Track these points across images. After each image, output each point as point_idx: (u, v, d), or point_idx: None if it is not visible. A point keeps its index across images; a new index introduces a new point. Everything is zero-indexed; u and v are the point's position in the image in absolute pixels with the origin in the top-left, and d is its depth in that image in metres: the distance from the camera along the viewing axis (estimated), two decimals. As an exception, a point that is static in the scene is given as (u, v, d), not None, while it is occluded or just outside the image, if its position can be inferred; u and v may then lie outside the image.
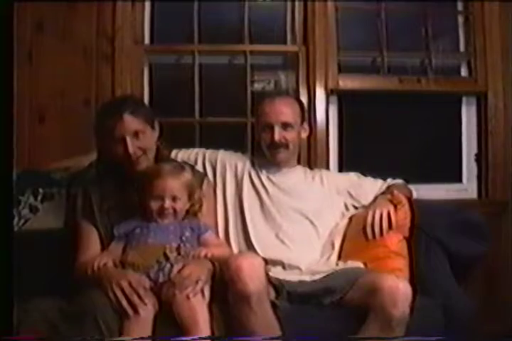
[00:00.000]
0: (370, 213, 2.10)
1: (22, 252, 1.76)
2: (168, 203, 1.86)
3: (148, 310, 1.69)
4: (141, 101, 2.00)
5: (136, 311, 1.67)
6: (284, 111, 2.18)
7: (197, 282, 1.73)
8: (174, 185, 1.87)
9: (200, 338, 1.63)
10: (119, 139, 1.91)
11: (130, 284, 1.71)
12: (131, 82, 2.73)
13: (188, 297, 1.70)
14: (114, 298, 1.69)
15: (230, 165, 2.24)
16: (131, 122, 1.91)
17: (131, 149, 1.91)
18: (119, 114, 1.90)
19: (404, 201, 2.13)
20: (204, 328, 1.67)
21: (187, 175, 1.92)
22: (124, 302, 1.68)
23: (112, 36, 2.71)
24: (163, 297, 1.73)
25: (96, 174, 2.05)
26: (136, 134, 1.92)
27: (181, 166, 1.97)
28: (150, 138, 1.98)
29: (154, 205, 1.86)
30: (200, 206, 1.98)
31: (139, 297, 1.69)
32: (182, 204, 1.89)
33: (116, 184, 2.01)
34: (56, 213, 2.14)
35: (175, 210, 1.87)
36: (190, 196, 1.92)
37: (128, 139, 1.91)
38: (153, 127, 2.00)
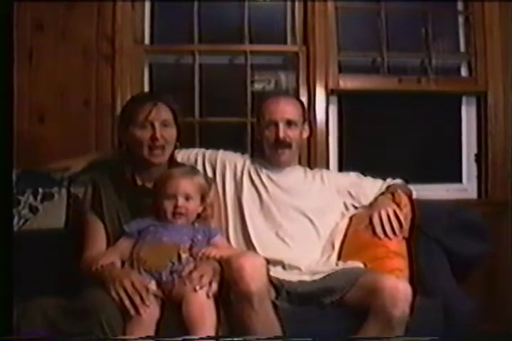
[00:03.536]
0: (376, 213, 2.10)
1: (22, 252, 1.76)
2: (181, 201, 1.86)
3: (150, 313, 1.69)
4: (173, 100, 2.05)
5: (138, 312, 1.67)
6: (289, 109, 2.20)
7: (210, 283, 1.73)
8: (187, 184, 1.89)
9: (202, 338, 1.63)
10: (148, 124, 1.96)
11: (133, 284, 1.70)
12: (131, 82, 2.73)
13: (208, 296, 1.70)
14: (117, 297, 1.68)
15: (229, 164, 2.25)
16: (163, 111, 1.99)
17: (158, 134, 1.96)
18: (155, 102, 1.98)
19: (406, 201, 2.13)
20: (210, 329, 1.67)
21: (199, 178, 1.95)
22: (127, 302, 1.67)
23: (112, 36, 2.71)
24: (174, 296, 1.73)
25: (106, 168, 2.08)
26: (164, 124, 1.99)
27: (194, 170, 2.02)
28: (172, 133, 2.02)
29: (168, 205, 1.87)
30: (212, 211, 2.00)
31: (141, 298, 1.68)
32: (194, 205, 1.90)
33: (126, 179, 2.02)
34: (56, 213, 2.15)
35: (187, 210, 1.88)
36: (202, 199, 1.93)
37: (157, 125, 1.96)
38: (177, 125, 2.04)
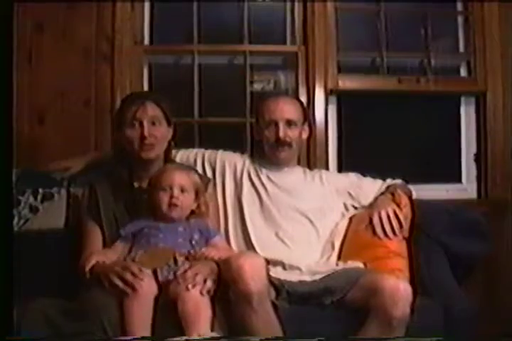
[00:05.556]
0: (376, 213, 2.10)
1: (22, 252, 1.76)
2: (176, 192, 1.87)
3: (147, 288, 1.69)
4: (165, 98, 2.06)
5: (133, 288, 1.67)
6: (288, 108, 2.20)
7: (205, 281, 1.73)
8: (182, 176, 1.91)
9: (205, 338, 1.63)
10: (137, 122, 1.97)
11: (123, 267, 1.71)
12: (131, 82, 2.73)
13: (201, 293, 1.71)
14: (112, 286, 1.69)
15: (229, 164, 2.25)
16: (150, 108, 1.99)
17: (146, 132, 1.96)
18: (142, 100, 1.99)
19: (406, 201, 2.13)
20: (204, 326, 1.67)
21: (194, 174, 1.96)
22: (120, 284, 1.68)
23: (112, 36, 2.71)
24: (170, 295, 1.72)
25: (104, 170, 2.09)
26: (153, 121, 1.98)
27: (189, 167, 2.04)
28: (164, 130, 2.03)
29: (164, 196, 1.87)
30: (207, 209, 2.00)
31: (133, 274, 1.69)
32: (189, 199, 1.91)
33: (123, 181, 2.03)
34: (56, 213, 2.15)
35: (182, 202, 1.88)
36: (197, 195, 1.94)
37: (145, 122, 1.97)
38: (169, 123, 2.04)
